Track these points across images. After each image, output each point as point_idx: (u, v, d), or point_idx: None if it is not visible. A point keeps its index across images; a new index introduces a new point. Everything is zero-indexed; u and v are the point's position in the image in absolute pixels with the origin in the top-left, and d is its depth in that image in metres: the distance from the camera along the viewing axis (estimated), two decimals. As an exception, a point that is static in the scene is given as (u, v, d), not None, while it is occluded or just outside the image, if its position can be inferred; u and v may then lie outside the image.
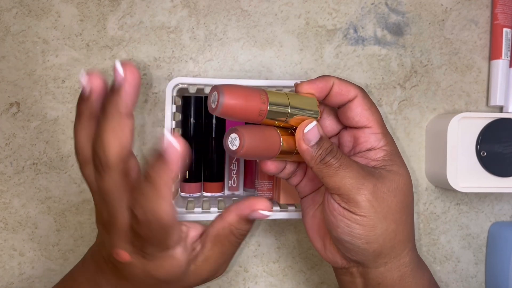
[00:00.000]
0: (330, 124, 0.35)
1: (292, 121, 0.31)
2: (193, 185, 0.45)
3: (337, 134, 0.36)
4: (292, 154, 0.32)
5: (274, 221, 0.48)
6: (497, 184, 0.46)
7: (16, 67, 0.46)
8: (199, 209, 0.42)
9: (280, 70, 0.48)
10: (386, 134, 0.33)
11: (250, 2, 0.48)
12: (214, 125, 0.45)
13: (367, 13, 0.49)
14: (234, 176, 0.46)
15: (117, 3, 0.47)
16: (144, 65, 0.47)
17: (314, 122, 0.30)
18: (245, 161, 0.47)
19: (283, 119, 0.30)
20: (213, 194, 0.45)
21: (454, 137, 0.44)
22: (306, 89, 0.32)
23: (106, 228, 0.29)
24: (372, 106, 0.32)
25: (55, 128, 0.46)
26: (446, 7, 0.50)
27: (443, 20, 0.50)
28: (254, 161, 0.46)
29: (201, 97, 0.45)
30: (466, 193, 0.50)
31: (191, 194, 0.45)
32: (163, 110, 0.46)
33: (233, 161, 0.46)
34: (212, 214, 0.42)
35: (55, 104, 0.46)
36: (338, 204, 0.31)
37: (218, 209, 0.42)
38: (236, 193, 0.47)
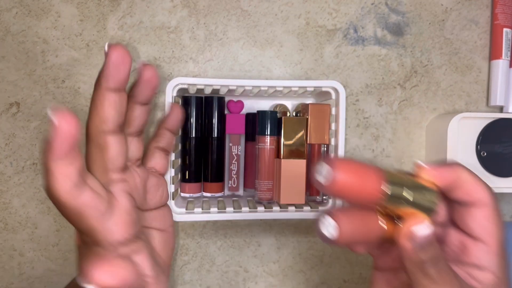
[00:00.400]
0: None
1: (401, 211, 0.26)
2: (193, 185, 0.45)
3: (443, 227, 0.30)
4: (388, 241, 0.27)
5: (274, 221, 0.48)
6: (497, 184, 0.46)
7: (16, 67, 0.46)
8: (199, 209, 0.42)
9: (280, 70, 0.48)
10: (502, 258, 0.27)
11: (250, 2, 0.48)
12: (214, 125, 0.45)
13: (367, 13, 0.49)
14: (234, 176, 0.46)
15: (117, 3, 0.47)
16: (144, 65, 0.47)
17: (429, 226, 0.25)
18: (245, 161, 0.47)
19: (395, 207, 0.25)
20: (213, 194, 0.46)
21: (454, 137, 0.44)
22: (429, 175, 0.27)
23: None
24: (499, 221, 0.27)
25: (55, 128, 0.46)
26: (446, 7, 0.50)
27: (443, 20, 0.50)
28: (254, 162, 0.46)
29: (201, 97, 0.45)
30: (466, 193, 0.50)
31: (191, 194, 0.45)
32: (163, 110, 0.46)
33: (233, 161, 0.46)
34: (212, 215, 0.42)
35: (55, 104, 0.46)
36: None
37: (218, 209, 0.42)
38: (236, 193, 0.47)
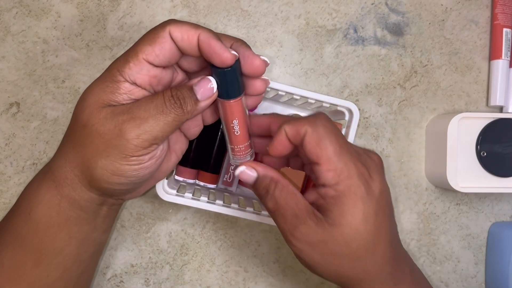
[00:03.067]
0: None
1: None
2: (189, 171, 0.44)
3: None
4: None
5: (274, 221, 0.48)
6: (497, 184, 0.46)
7: (16, 67, 0.46)
8: (190, 195, 0.42)
9: (280, 70, 0.48)
10: (341, 171, 0.30)
11: (250, 2, 0.48)
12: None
13: (367, 13, 0.49)
14: (231, 171, 0.46)
15: (117, 3, 0.47)
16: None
17: (242, 168, 0.33)
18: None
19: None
20: (206, 184, 0.45)
21: (454, 137, 0.44)
22: (275, 153, 0.32)
23: None
24: (324, 139, 0.30)
25: (55, 128, 0.46)
26: (446, 7, 0.50)
27: (443, 20, 0.50)
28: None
29: None
30: (466, 193, 0.50)
31: (185, 179, 0.44)
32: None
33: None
34: (202, 203, 0.41)
35: (55, 104, 0.46)
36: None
37: (208, 199, 0.42)
38: (229, 188, 0.46)
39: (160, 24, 0.31)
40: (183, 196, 0.42)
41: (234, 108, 0.32)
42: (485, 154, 0.46)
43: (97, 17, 0.46)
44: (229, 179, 0.46)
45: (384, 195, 0.32)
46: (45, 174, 0.34)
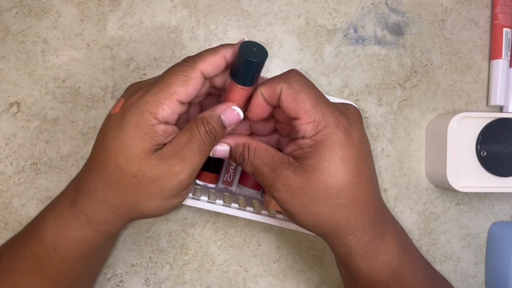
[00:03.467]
0: None
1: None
2: None
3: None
4: None
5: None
6: (497, 184, 0.46)
7: (16, 67, 0.46)
8: (190, 194, 0.42)
9: (280, 70, 0.48)
10: (319, 122, 0.31)
11: (250, 2, 0.48)
12: None
13: (367, 13, 0.49)
14: (232, 171, 0.46)
15: (117, 3, 0.47)
16: (144, 65, 0.47)
17: (216, 147, 0.33)
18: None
19: None
20: (206, 184, 0.45)
21: (454, 137, 0.44)
22: (255, 117, 0.33)
23: None
24: (300, 93, 0.31)
25: (55, 128, 0.46)
26: (446, 7, 0.50)
27: (443, 20, 0.50)
28: None
29: None
30: (466, 193, 0.50)
31: None
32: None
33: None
34: (202, 202, 0.41)
35: (55, 104, 0.46)
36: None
37: (208, 198, 0.42)
38: (229, 188, 0.47)
39: (187, 63, 0.31)
40: None
41: (239, 93, 0.33)
42: (485, 154, 0.46)
43: (97, 17, 0.46)
44: (229, 179, 0.46)
45: (365, 144, 0.32)
46: (76, 216, 0.34)
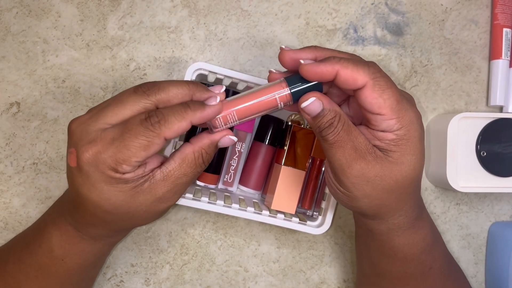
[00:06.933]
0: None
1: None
2: None
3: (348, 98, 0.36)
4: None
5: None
6: (497, 184, 0.46)
7: (16, 67, 0.46)
8: (190, 195, 0.42)
9: (280, 70, 0.48)
10: (402, 118, 0.31)
11: (250, 2, 0.48)
12: None
13: (367, 13, 0.49)
14: (232, 171, 0.46)
15: (117, 3, 0.47)
16: (144, 65, 0.47)
17: (312, 99, 0.32)
18: (247, 159, 0.47)
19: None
20: (206, 184, 0.45)
21: (454, 137, 0.44)
22: (309, 76, 0.32)
23: None
24: (385, 91, 0.31)
25: (55, 128, 0.46)
26: (446, 7, 0.50)
27: (443, 20, 0.50)
28: (256, 163, 0.46)
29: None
30: (466, 193, 0.50)
31: None
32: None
33: (234, 157, 0.46)
34: (202, 203, 0.41)
35: (55, 104, 0.46)
36: (330, 171, 0.34)
37: (209, 199, 0.42)
38: (230, 188, 0.46)
39: (152, 127, 0.30)
40: (184, 197, 0.42)
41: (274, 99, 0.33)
42: (485, 154, 0.46)
43: (97, 17, 0.46)
44: (229, 180, 0.46)
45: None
46: (82, 237, 0.36)
